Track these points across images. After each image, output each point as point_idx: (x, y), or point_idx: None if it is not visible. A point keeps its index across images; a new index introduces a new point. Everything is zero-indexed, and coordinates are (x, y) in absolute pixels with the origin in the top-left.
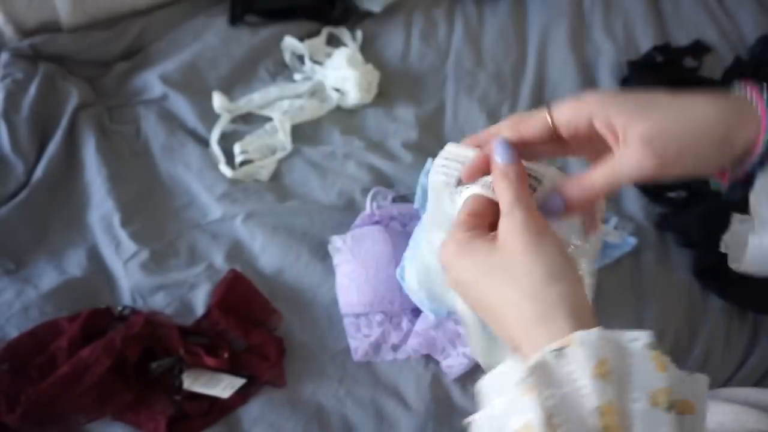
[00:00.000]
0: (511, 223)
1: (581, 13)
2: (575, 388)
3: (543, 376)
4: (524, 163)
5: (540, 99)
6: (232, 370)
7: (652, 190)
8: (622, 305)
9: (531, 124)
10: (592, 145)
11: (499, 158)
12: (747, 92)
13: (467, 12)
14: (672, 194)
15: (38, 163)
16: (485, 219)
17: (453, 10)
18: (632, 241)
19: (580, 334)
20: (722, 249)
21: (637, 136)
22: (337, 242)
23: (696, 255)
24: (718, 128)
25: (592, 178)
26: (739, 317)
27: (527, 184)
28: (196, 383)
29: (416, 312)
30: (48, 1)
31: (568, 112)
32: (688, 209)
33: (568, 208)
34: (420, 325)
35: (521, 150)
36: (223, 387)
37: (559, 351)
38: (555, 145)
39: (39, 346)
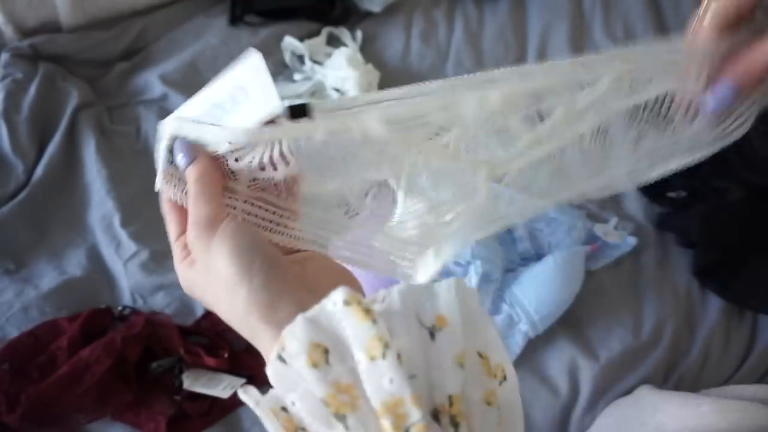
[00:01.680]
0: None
1: (581, 13)
2: (306, 383)
3: (278, 385)
4: None
5: None
6: (232, 370)
7: (652, 190)
8: (622, 305)
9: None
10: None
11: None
12: None
13: (467, 12)
14: (672, 194)
15: (38, 163)
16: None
17: (453, 10)
18: (632, 241)
19: (288, 329)
20: None
21: None
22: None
23: (696, 255)
24: None
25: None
26: (739, 317)
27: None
28: (196, 383)
29: None
30: (48, 1)
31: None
32: (688, 209)
33: (741, 87)
34: None
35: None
36: (224, 387)
37: (280, 355)
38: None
39: (39, 346)
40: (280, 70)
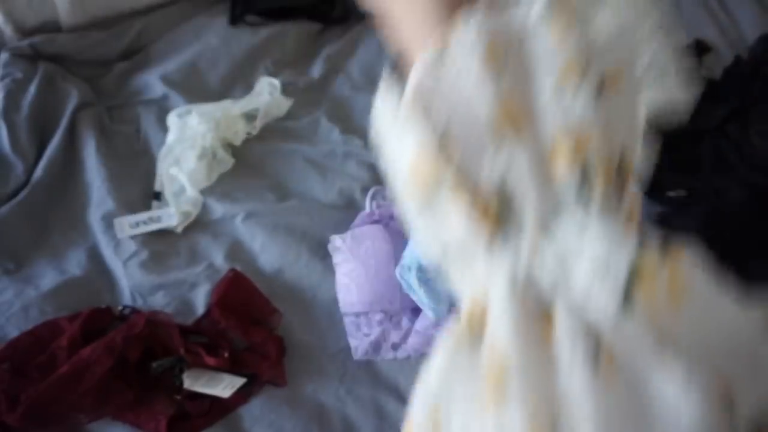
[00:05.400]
0: None
1: None
2: (462, 86)
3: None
4: None
5: None
6: (233, 369)
7: (652, 189)
8: None
9: None
10: None
11: None
12: None
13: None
14: (672, 194)
15: (38, 163)
16: None
17: None
18: None
19: (461, 21)
20: None
21: None
22: (336, 241)
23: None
24: None
25: None
26: None
27: None
28: (197, 383)
29: (416, 311)
30: (48, 1)
31: None
32: (688, 209)
33: None
34: (420, 323)
35: None
36: (224, 386)
37: (441, 50)
38: None
39: (39, 346)
40: (280, 69)
